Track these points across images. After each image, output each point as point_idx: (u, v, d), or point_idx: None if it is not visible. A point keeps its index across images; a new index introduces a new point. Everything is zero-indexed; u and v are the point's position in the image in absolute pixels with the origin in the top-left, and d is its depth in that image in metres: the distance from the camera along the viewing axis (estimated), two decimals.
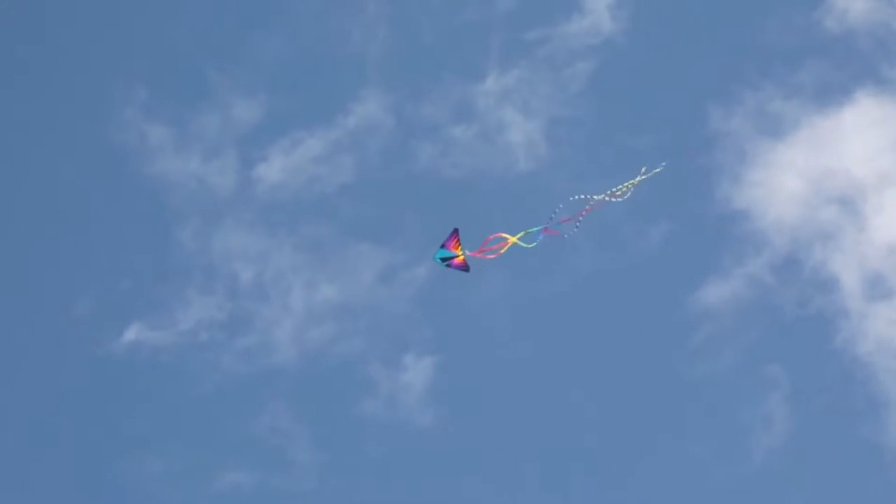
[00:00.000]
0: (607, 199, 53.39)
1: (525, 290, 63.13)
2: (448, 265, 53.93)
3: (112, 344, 61.77)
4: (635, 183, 53.73)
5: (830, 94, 65.05)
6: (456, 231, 53.81)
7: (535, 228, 54.07)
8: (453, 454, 60.63)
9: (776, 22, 66.13)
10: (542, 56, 66.48)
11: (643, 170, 54.01)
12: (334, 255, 63.28)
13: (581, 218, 53.40)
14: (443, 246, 53.87)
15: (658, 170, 53.91)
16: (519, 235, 54.05)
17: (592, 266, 63.34)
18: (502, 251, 54.15)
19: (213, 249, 63.13)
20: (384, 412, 60.95)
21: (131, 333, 61.75)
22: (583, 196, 53.31)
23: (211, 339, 61.96)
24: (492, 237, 53.78)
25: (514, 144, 65.13)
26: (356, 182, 64.35)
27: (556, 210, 53.29)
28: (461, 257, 53.81)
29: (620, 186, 53.47)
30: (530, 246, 54.03)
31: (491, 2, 67.17)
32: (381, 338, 62.14)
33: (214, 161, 64.43)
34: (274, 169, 64.24)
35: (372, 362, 61.66)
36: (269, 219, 63.75)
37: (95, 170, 64.46)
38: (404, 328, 62.36)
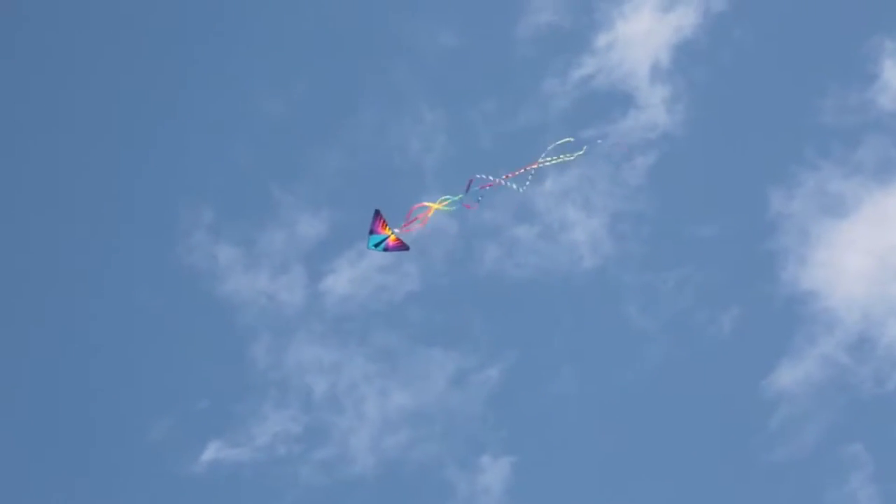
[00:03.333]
0: (525, 171, 53.88)
1: (598, 383, 63.20)
2: (385, 249, 53.61)
3: (192, 464, 62.38)
4: (550, 161, 54.26)
5: (890, 171, 65.11)
6: (378, 212, 53.48)
7: (456, 197, 54.05)
8: None
9: (831, 102, 66.48)
10: (600, 152, 67.06)
11: (559, 155, 54.60)
12: (405, 361, 63.79)
13: (496, 185, 53.68)
14: (371, 232, 53.54)
15: (580, 152, 54.33)
16: (441, 204, 54.04)
17: (665, 356, 63.40)
18: (426, 221, 53.93)
19: (287, 364, 63.89)
20: None
21: (210, 452, 62.37)
22: (492, 177, 53.70)
23: (289, 453, 62.44)
24: (414, 207, 53.59)
25: (577, 242, 65.51)
26: (423, 289, 65.00)
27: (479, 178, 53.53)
28: (393, 237, 53.50)
29: (538, 161, 54.04)
30: (452, 208, 54.02)
31: (545, 104, 68.07)
32: (456, 441, 62.35)
33: (283, 277, 65.42)
34: (341, 281, 65.06)
35: (449, 466, 61.79)
36: (339, 330, 64.48)
37: (168, 293, 65.58)
38: (479, 430, 62.55)
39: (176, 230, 65.97)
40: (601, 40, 68.63)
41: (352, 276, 65.08)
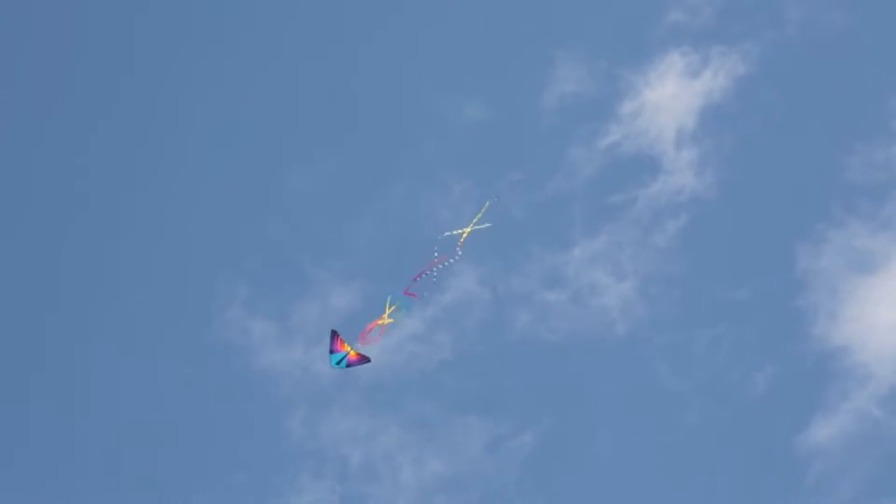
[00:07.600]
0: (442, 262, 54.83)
1: (633, 446, 63.20)
2: (347, 365, 54.91)
3: None
4: (468, 231, 55.29)
5: None
6: (334, 332, 54.84)
7: (402, 309, 55.28)
8: None
9: (856, 160, 66.79)
10: (629, 218, 67.56)
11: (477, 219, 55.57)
12: (440, 430, 64.04)
13: (432, 271, 54.63)
14: (331, 352, 54.89)
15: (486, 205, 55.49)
16: (390, 314, 55.18)
17: (700, 416, 63.39)
18: (380, 336, 55.06)
19: (322, 435, 64.30)
20: None
21: None
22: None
23: None
24: (369, 326, 54.84)
25: (609, 306, 65.81)
26: (455, 357, 65.39)
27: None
28: (353, 353, 54.84)
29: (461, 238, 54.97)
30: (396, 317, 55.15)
31: (573, 172, 68.68)
32: None
33: (317, 349, 65.98)
34: (374, 351, 65.48)
35: None
36: (373, 400, 64.91)
37: (205, 368, 66.26)
38: (515, 496, 62.57)
39: (211, 306, 66.98)
40: (626, 108, 69.43)
41: (385, 346, 65.58)
